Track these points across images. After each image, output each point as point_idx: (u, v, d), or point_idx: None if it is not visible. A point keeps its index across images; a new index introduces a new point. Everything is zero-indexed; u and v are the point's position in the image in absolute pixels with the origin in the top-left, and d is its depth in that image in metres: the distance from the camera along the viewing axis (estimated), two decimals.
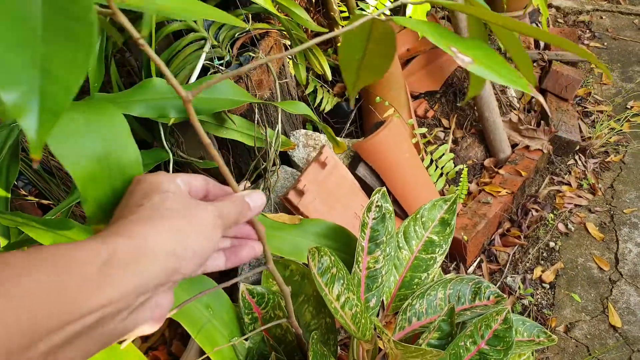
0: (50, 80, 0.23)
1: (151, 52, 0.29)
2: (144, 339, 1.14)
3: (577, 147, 1.71)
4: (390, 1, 1.30)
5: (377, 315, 0.71)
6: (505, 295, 0.72)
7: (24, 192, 1.18)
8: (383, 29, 0.36)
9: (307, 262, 0.64)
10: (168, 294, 0.32)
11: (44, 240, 0.52)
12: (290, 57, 1.15)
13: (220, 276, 1.23)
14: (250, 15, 1.00)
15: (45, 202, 1.18)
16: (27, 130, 0.22)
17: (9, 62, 0.22)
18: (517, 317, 0.73)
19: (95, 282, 0.26)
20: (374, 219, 0.70)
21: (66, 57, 0.23)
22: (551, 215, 1.50)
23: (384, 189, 0.72)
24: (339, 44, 1.56)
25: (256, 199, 0.38)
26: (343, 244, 0.72)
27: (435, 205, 0.77)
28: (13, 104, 0.21)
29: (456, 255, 1.36)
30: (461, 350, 0.67)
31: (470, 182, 1.54)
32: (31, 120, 0.22)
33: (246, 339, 0.58)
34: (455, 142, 1.64)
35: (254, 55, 0.92)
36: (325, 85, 1.56)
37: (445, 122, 1.67)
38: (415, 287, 0.74)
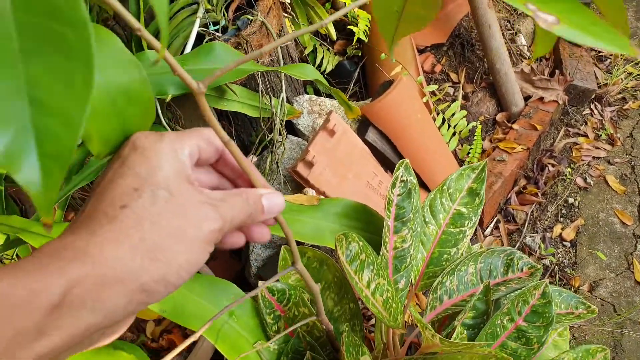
0: (42, 111, 0.16)
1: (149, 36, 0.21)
2: (157, 322, 1.11)
3: (593, 96, 1.63)
4: None
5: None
6: (539, 266, 0.68)
7: None
8: None
9: (329, 246, 0.59)
10: (128, 320, 0.28)
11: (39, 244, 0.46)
12: (289, 15, 1.05)
13: (230, 262, 1.19)
14: None
15: None
16: (28, 187, 0.15)
17: None
18: (554, 288, 0.69)
19: (38, 329, 0.21)
20: (399, 195, 0.65)
21: (57, 77, 0.16)
22: (569, 169, 1.44)
23: (407, 161, 0.66)
24: None
25: (276, 203, 0.32)
26: (366, 223, 0.66)
27: (462, 174, 0.71)
28: (5, 151, 0.15)
29: None
30: (498, 329, 0.63)
31: (483, 139, 1.47)
32: (31, 171, 0.15)
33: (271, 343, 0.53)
34: (465, 97, 1.56)
35: (252, 17, 0.83)
36: (325, 44, 1.46)
37: (454, 76, 1.58)
38: (444, 263, 0.69)
